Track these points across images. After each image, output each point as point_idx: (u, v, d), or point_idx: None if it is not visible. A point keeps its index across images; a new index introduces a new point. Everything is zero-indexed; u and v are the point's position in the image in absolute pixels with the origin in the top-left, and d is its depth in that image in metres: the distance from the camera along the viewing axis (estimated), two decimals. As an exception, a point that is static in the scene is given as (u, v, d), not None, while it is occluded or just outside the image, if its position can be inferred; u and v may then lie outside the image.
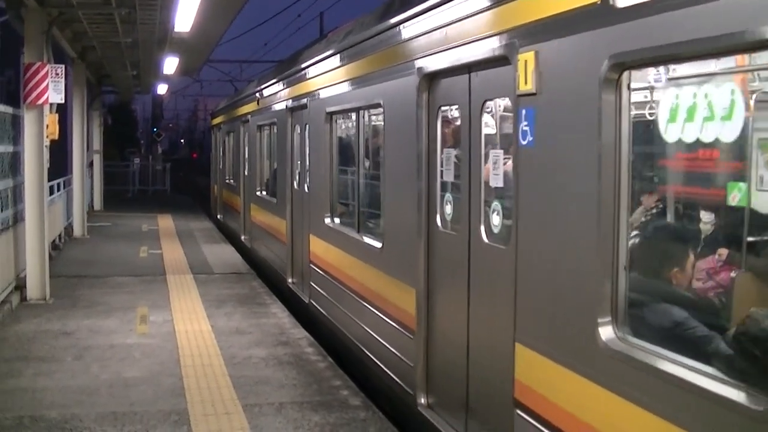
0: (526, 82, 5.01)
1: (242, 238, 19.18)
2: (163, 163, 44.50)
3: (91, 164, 26.93)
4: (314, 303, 11.15)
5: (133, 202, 34.12)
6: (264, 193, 16.43)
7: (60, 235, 18.78)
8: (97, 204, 28.84)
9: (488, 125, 6.00)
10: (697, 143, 3.85)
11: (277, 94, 14.35)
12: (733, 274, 4.13)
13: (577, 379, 4.48)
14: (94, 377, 8.39)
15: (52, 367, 8.76)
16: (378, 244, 8.26)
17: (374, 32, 8.30)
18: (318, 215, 10.94)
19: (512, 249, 5.28)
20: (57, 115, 14.63)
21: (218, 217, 25.31)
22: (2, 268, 11.64)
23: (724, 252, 4.26)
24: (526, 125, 5.07)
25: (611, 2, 4.14)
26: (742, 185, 3.88)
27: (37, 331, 10.46)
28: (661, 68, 4.19)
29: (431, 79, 6.79)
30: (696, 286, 4.30)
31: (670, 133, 4.00)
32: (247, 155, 18.66)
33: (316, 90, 11.11)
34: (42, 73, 12.31)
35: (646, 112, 4.34)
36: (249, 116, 17.99)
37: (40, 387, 8.03)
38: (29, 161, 12.48)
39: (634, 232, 4.41)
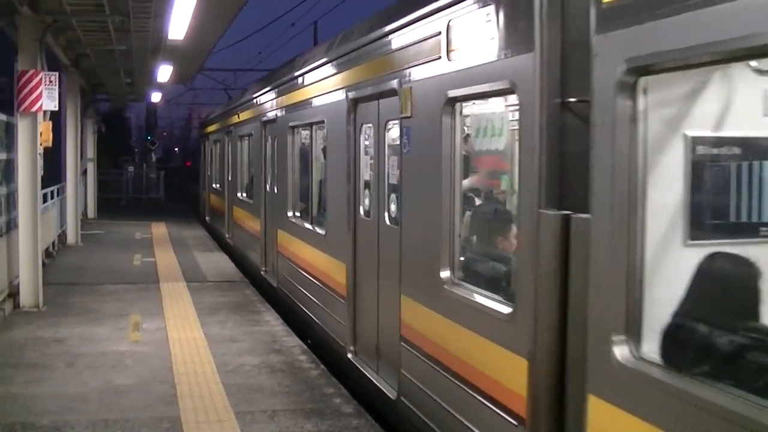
0: (406, 109, 7.09)
1: (226, 237, 20.87)
2: (156, 172, 44.48)
3: (84, 172, 26.90)
4: (281, 287, 13.07)
5: (127, 210, 34.09)
6: (244, 195, 18.35)
7: (53, 243, 18.75)
8: (91, 212, 28.80)
9: (393, 138, 7.82)
10: (488, 151, 6.39)
11: (254, 109, 16.35)
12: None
13: (431, 313, 6.56)
14: (86, 384, 8.38)
15: (44, 374, 8.74)
16: (323, 232, 10.33)
17: (318, 65, 10.55)
18: (283, 212, 12.93)
19: (399, 228, 7.34)
20: (51, 122, 14.63)
21: (206, 219, 27.16)
22: (-5, 276, 11.64)
23: (507, 221, 6.08)
24: (406, 138, 7.15)
25: (448, 58, 6.21)
26: (507, 177, 6.05)
27: (29, 338, 10.44)
28: (472, 102, 6.33)
29: (356, 103, 8.83)
30: (494, 245, 6.44)
31: (477, 144, 6.46)
32: (230, 162, 20.57)
33: (282, 107, 13.20)
34: (36, 80, 12.31)
35: (468, 130, 6.53)
36: (232, 128, 20.04)
37: (31, 394, 8.02)
38: (23, 168, 12.47)
39: (463, 211, 6.45)
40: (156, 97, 34.11)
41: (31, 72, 12.36)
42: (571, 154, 4.67)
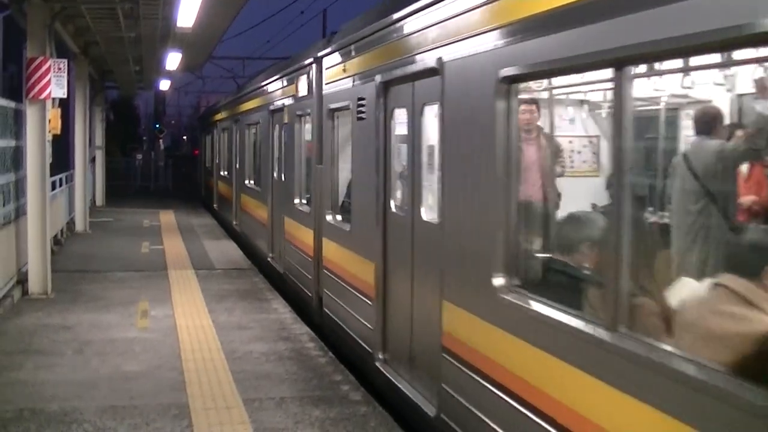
0: (286, 119, 13.31)
1: (214, 205, 27.12)
2: (165, 159, 44.53)
3: (93, 160, 26.93)
4: (243, 230, 19.31)
5: (135, 197, 34.13)
6: (225, 172, 24.24)
7: (62, 230, 18.79)
8: (99, 199, 28.86)
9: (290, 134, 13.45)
10: (309, 140, 11.92)
11: (228, 111, 23.46)
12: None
13: (291, 221, 12.75)
14: (95, 371, 8.40)
15: (52, 360, 8.77)
16: (259, 189, 16.59)
17: (256, 87, 17.40)
18: (243, 181, 19.23)
19: (286, 181, 13.37)
20: (59, 110, 14.65)
21: (202, 193, 33.26)
22: (4, 263, 11.65)
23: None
24: (286, 134, 13.44)
25: (296, 94, 12.23)
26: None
27: (38, 324, 10.47)
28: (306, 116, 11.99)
29: (272, 113, 14.85)
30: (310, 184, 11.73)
31: (306, 135, 12.31)
32: (218, 148, 26.70)
33: (242, 112, 19.70)
34: (44, 67, 12.31)
35: (306, 127, 12.18)
36: (218, 123, 26.54)
37: (40, 380, 8.04)
38: (31, 156, 12.48)
39: (305, 168, 12.18)
40: (165, 85, 34.05)
41: (39, 59, 12.35)
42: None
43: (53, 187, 16.48)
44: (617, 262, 4.14)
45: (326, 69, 10.44)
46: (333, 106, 10.05)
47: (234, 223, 20.79)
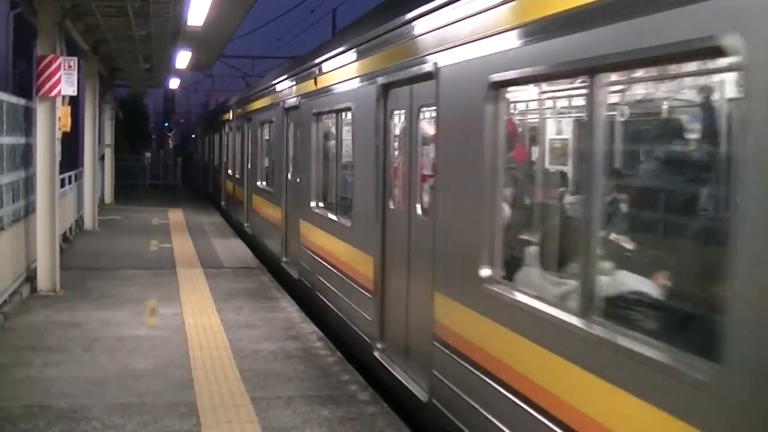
0: (227, 129, 26.10)
1: (201, 182, 37.23)
2: (174, 158, 44.59)
3: (102, 157, 26.99)
4: (213, 194, 29.50)
5: (144, 195, 34.19)
6: (207, 160, 34.07)
7: (71, 228, 18.84)
8: (108, 197, 28.91)
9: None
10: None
11: (211, 120, 33.18)
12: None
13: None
14: (103, 368, 8.40)
15: (61, 357, 8.78)
16: (226, 171, 26.30)
17: (218, 109, 31.64)
18: (214, 164, 30.44)
19: (229, 163, 25.44)
20: (69, 107, 14.66)
21: (203, 180, 39.50)
22: (13, 260, 11.68)
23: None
24: (228, 137, 25.94)
25: (232, 116, 24.50)
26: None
27: (46, 322, 10.49)
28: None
29: (224, 125, 26.49)
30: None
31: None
32: (206, 147, 35.03)
33: (213, 123, 30.70)
34: (55, 65, 12.32)
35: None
36: (205, 129, 36.24)
37: (49, 377, 8.06)
38: (41, 153, 12.50)
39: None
40: (174, 83, 34.10)
41: (50, 57, 12.37)
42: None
43: (62, 185, 16.52)
44: None
45: (235, 109, 22.71)
46: (237, 126, 21.63)
47: (209, 191, 31.39)
